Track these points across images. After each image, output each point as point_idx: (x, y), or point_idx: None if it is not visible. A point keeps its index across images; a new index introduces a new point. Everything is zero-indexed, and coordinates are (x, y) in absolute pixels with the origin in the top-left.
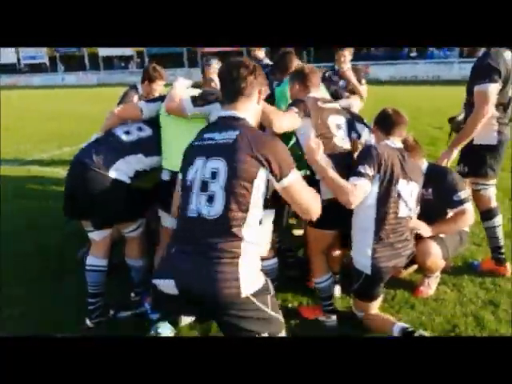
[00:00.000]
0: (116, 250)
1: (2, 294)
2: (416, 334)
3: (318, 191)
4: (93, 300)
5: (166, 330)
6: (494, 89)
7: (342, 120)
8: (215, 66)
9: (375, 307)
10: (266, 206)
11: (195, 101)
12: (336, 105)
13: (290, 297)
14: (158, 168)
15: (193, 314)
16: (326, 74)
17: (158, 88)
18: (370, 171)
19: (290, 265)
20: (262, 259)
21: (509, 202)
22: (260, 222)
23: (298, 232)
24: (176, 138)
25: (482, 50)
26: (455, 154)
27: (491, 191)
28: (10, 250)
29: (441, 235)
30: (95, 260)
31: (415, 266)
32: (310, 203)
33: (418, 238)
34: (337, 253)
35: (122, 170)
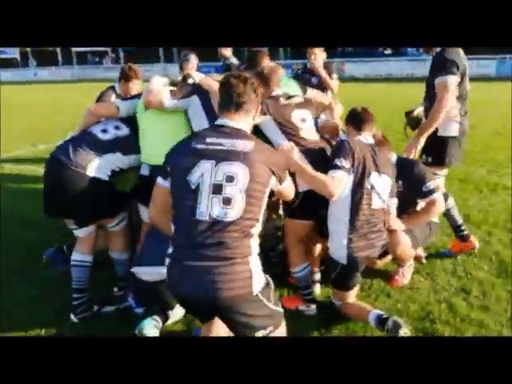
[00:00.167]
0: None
1: None
2: (390, 321)
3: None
4: (77, 295)
5: (150, 329)
6: (453, 80)
7: (305, 113)
8: (193, 61)
9: (352, 296)
10: None
11: (174, 94)
12: (299, 98)
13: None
14: (137, 167)
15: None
16: (299, 72)
17: (135, 87)
18: (345, 163)
19: (273, 264)
20: None
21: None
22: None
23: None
24: (155, 133)
25: (439, 48)
26: (422, 143)
27: (442, 180)
28: None
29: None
30: (80, 256)
31: (390, 257)
32: (292, 193)
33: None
34: (316, 251)
35: (100, 168)
